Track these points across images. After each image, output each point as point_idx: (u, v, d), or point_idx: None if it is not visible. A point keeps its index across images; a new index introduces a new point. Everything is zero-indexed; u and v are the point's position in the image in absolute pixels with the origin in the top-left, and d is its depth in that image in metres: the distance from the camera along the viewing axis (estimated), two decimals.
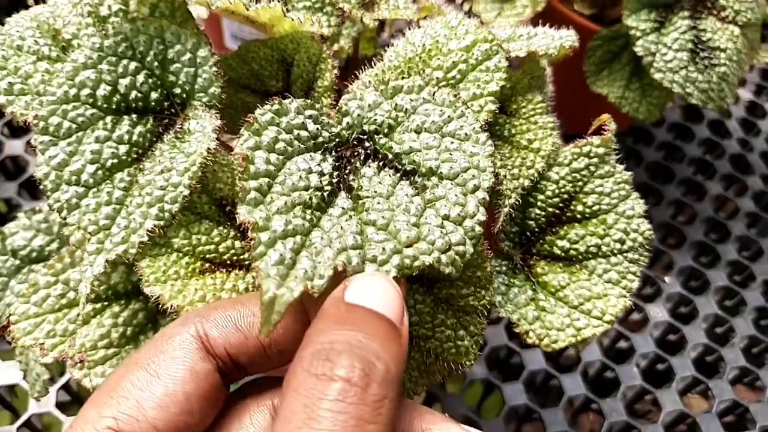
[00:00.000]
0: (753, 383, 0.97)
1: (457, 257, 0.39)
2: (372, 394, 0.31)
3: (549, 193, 0.55)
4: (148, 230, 0.45)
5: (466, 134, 0.42)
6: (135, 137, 0.48)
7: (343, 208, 0.39)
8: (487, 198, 0.41)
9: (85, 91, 0.47)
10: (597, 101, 0.93)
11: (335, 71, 0.54)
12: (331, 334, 0.33)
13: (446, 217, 0.39)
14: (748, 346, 0.99)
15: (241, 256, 0.48)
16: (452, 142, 0.42)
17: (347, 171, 0.42)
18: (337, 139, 0.43)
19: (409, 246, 0.38)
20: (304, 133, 0.41)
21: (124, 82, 0.48)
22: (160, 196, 0.45)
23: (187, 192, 0.45)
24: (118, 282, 0.51)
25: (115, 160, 0.47)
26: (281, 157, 0.39)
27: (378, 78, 0.52)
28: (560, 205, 0.56)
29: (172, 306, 0.44)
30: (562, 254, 0.55)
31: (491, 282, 0.49)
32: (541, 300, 0.53)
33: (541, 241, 0.56)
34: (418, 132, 0.43)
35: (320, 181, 0.40)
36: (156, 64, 0.49)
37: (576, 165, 0.55)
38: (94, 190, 0.46)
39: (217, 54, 0.51)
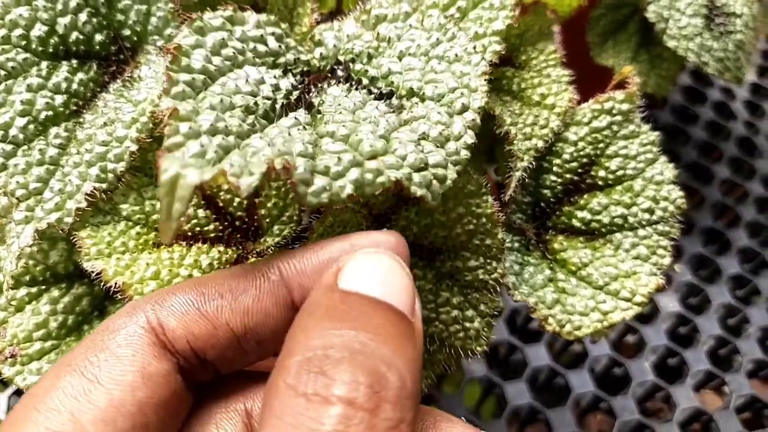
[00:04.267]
0: None
1: (434, 180, 0.31)
2: (385, 419, 0.23)
3: (566, 156, 0.48)
4: (86, 194, 0.37)
5: (456, 55, 0.34)
6: (75, 86, 0.40)
7: (296, 118, 0.31)
8: (478, 121, 0.33)
9: (17, 32, 0.40)
10: (601, 76, 0.86)
11: (315, 15, 0.47)
12: (324, 334, 0.25)
13: (425, 137, 0.32)
14: (763, 337, 0.92)
15: (206, 228, 0.40)
16: (439, 64, 0.34)
17: (309, 90, 0.34)
18: (305, 67, 0.36)
19: (372, 158, 0.30)
20: (262, 47, 0.33)
21: (63, 21, 0.41)
22: (102, 153, 0.37)
23: (134, 147, 0.37)
24: (57, 261, 0.43)
25: (50, 113, 0.39)
26: (227, 63, 0.31)
27: None
28: (579, 170, 0.48)
29: (116, 284, 0.36)
30: (583, 227, 0.47)
31: (503, 251, 0.41)
32: (561, 280, 0.45)
33: (557, 212, 0.48)
34: (400, 57, 0.35)
35: (273, 93, 0.32)
36: (101, 0, 0.41)
37: (597, 124, 0.47)
38: (24, 147, 0.39)
39: None
